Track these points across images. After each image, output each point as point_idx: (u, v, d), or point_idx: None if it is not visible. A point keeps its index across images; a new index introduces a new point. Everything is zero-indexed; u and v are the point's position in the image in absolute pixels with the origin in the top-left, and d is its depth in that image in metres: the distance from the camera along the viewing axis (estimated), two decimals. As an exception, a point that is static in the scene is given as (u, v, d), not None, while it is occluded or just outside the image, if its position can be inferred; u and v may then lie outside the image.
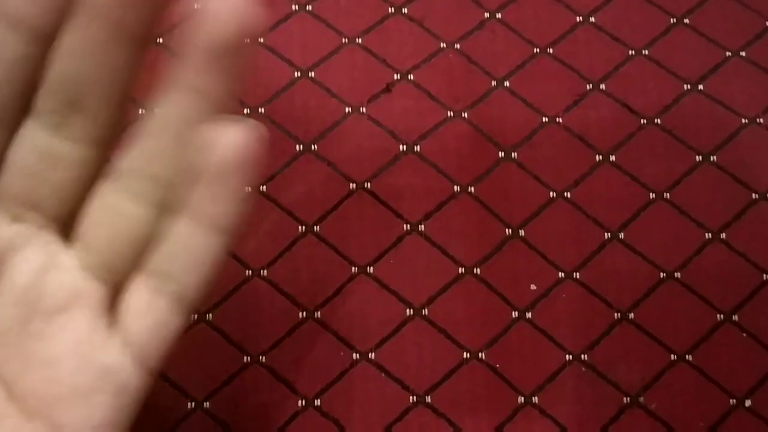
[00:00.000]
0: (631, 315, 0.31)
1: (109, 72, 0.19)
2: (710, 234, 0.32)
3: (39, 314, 0.19)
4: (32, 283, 0.19)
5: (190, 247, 0.19)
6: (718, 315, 0.31)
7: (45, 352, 0.19)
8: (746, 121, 0.33)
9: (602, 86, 0.34)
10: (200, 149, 0.19)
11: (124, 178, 0.20)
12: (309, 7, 0.34)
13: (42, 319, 0.19)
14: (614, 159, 0.33)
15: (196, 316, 0.30)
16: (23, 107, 0.19)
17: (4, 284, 0.19)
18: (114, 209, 0.20)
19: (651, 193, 0.32)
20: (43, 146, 0.19)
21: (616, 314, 0.31)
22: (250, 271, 0.31)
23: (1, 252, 0.19)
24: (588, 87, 0.34)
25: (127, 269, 0.20)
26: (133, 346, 0.20)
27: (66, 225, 0.20)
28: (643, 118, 0.33)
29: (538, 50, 0.34)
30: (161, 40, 0.33)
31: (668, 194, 0.32)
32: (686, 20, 0.35)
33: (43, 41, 0.18)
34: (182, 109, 0.19)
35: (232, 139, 0.19)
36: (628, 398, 0.30)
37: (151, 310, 0.20)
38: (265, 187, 0.32)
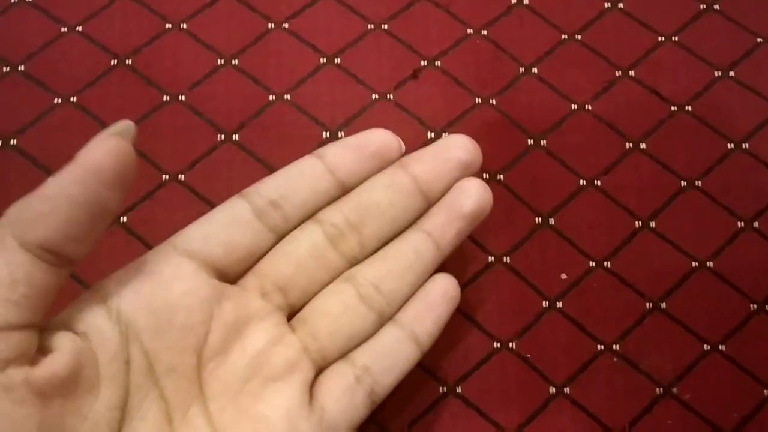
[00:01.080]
0: (663, 304, 0.30)
1: (391, 206, 0.25)
2: (743, 222, 0.31)
3: (260, 378, 0.23)
4: (262, 350, 0.23)
5: (393, 352, 0.24)
6: (751, 305, 0.30)
7: (260, 411, 0.23)
8: (779, 107, 0.33)
9: (632, 73, 0.33)
10: (426, 283, 0.25)
11: (358, 284, 0.25)
12: (334, -8, 0.34)
13: (262, 383, 0.23)
14: (644, 146, 0.32)
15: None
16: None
17: (240, 346, 0.23)
18: (343, 307, 0.24)
19: (682, 181, 0.32)
20: (319, 247, 0.25)
21: (647, 304, 0.30)
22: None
23: (245, 318, 0.24)
24: (617, 74, 0.33)
25: (335, 357, 0.24)
26: (326, 424, 0.23)
27: (294, 311, 0.25)
28: (674, 105, 0.33)
29: (566, 36, 0.34)
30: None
31: (700, 182, 0.32)
32: (716, 6, 0.34)
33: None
34: (420, 249, 0.25)
35: (447, 285, 0.26)
36: (661, 389, 0.30)
37: (348, 396, 0.24)
38: (291, 174, 0.31)
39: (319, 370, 0.24)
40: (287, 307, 0.25)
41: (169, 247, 0.23)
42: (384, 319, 0.25)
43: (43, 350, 0.20)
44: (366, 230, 0.25)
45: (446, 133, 0.32)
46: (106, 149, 0.20)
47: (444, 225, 0.26)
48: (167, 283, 0.22)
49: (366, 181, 0.26)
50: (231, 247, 0.24)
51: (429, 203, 0.26)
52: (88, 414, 0.20)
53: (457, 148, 0.26)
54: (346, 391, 0.24)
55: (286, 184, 0.25)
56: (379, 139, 0.26)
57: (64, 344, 0.20)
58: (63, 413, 0.20)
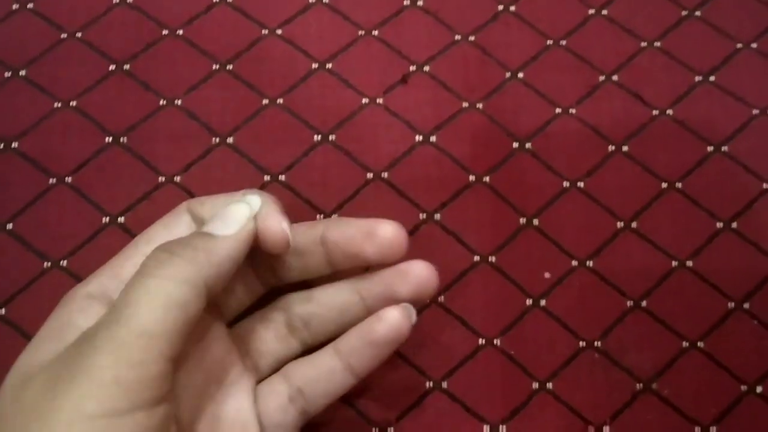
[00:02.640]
0: (644, 303, 0.31)
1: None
2: (722, 223, 0.32)
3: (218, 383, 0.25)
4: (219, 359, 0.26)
5: (328, 380, 0.26)
6: (729, 303, 0.31)
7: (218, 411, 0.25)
8: (757, 111, 0.34)
9: (615, 78, 0.34)
10: (374, 323, 0.26)
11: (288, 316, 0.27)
12: (326, 0, 0.35)
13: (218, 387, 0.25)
14: (627, 149, 0.33)
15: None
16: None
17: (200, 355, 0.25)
18: (273, 333, 0.27)
19: (663, 183, 0.33)
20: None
21: (628, 302, 0.31)
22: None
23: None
24: (601, 78, 0.34)
25: (265, 373, 0.27)
26: None
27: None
28: (655, 109, 0.34)
29: (551, 42, 0.35)
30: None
31: (680, 184, 0.33)
32: (698, 12, 0.35)
33: None
34: (344, 302, 0.27)
35: (393, 323, 0.26)
36: (641, 384, 0.30)
37: (281, 415, 0.26)
38: (284, 176, 0.32)
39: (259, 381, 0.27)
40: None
41: None
42: (306, 349, 0.28)
43: None
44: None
45: (434, 137, 0.33)
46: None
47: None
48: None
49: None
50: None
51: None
52: None
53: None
54: (279, 410, 0.26)
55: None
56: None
57: None
58: None
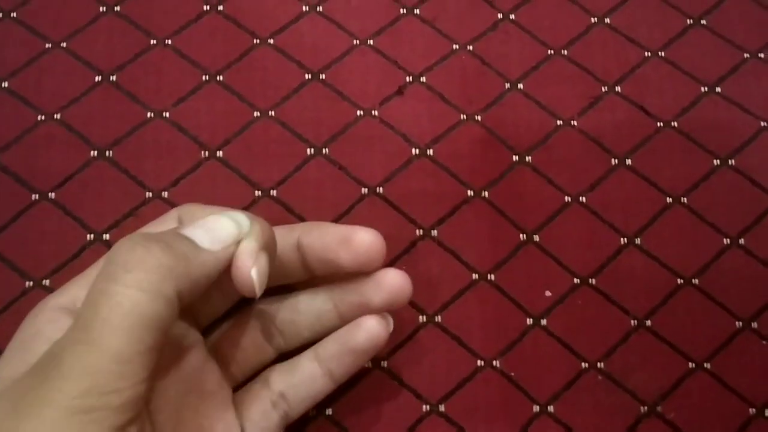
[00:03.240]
0: (648, 322, 0.30)
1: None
2: (729, 239, 0.31)
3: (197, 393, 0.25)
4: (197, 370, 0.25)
5: (308, 385, 0.26)
6: (737, 322, 0.30)
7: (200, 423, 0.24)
8: (766, 123, 0.33)
9: (618, 88, 0.33)
10: (352, 331, 0.26)
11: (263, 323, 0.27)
12: (320, 8, 0.34)
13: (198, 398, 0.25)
14: (630, 162, 0.32)
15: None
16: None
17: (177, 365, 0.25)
18: (250, 340, 0.27)
19: (668, 198, 0.32)
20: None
21: (632, 321, 0.30)
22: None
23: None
24: (603, 89, 0.33)
25: (239, 381, 0.27)
26: None
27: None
28: (660, 121, 0.33)
29: (552, 52, 0.34)
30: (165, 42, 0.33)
31: (686, 198, 0.32)
32: (703, 21, 0.34)
33: None
34: (319, 310, 0.27)
35: (371, 333, 0.26)
36: (646, 407, 0.29)
37: (264, 421, 0.26)
38: (275, 191, 0.31)
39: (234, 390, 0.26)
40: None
41: None
42: (279, 354, 0.27)
43: None
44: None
45: (431, 150, 0.32)
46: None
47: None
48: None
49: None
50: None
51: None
52: None
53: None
54: (262, 416, 0.26)
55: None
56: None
57: None
58: None
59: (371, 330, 0.26)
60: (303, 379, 0.26)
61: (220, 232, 0.23)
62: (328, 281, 0.27)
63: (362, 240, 0.25)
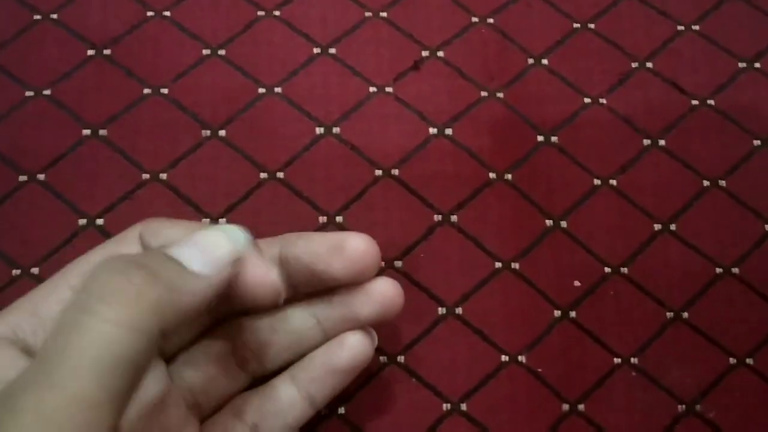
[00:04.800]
0: (685, 314, 0.28)
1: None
2: (771, 225, 0.29)
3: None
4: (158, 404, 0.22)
5: (285, 413, 0.23)
6: (781, 314, 0.28)
7: None
8: (809, 101, 0.31)
9: (649, 64, 0.31)
10: (334, 349, 0.24)
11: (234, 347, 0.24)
12: (329, -22, 0.32)
13: None
14: (664, 143, 0.30)
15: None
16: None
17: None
18: (215, 366, 0.24)
19: (705, 181, 0.30)
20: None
21: (668, 313, 0.28)
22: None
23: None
24: (633, 65, 0.31)
25: (208, 411, 0.24)
26: None
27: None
28: (695, 99, 0.31)
29: (578, 25, 0.32)
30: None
31: (723, 182, 0.30)
32: (740, -8, 0.32)
33: None
34: (302, 334, 0.24)
35: (356, 350, 0.24)
36: (683, 406, 0.27)
37: None
38: (282, 173, 0.29)
39: (201, 421, 0.24)
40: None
41: None
42: (255, 380, 0.25)
43: None
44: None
45: (449, 129, 0.30)
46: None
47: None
48: None
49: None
50: None
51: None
52: None
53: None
54: None
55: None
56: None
57: None
58: None
59: (355, 347, 0.23)
60: (280, 407, 0.23)
61: (213, 251, 0.20)
62: (309, 295, 0.24)
63: (356, 247, 0.22)
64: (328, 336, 0.24)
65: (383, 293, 0.23)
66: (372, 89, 0.30)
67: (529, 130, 0.30)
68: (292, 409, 0.23)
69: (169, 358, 0.24)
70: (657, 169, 0.30)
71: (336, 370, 0.23)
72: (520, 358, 0.28)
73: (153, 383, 0.22)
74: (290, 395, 0.23)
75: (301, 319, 0.24)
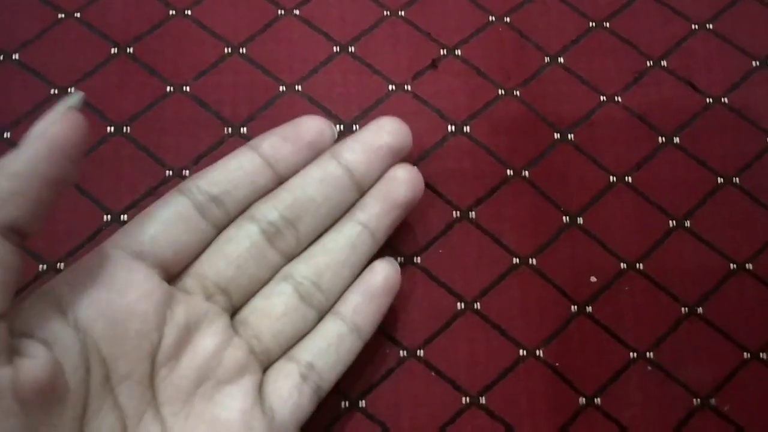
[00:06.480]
0: (700, 309, 0.29)
1: (326, 200, 0.25)
2: (784, 222, 0.30)
3: (212, 381, 0.23)
4: (214, 354, 0.23)
5: (337, 348, 0.24)
6: (794, 310, 0.29)
7: (214, 414, 0.23)
8: (823, 99, 0.31)
9: (664, 63, 0.31)
10: (364, 273, 0.26)
11: (297, 283, 0.25)
12: (348, -23, 0.32)
13: (214, 386, 0.23)
14: (678, 141, 0.30)
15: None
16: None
17: (192, 350, 0.23)
18: (284, 307, 0.24)
19: (719, 178, 0.30)
20: (258, 247, 0.24)
21: (683, 309, 0.29)
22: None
23: (195, 322, 0.23)
24: (648, 63, 0.31)
25: (278, 356, 0.25)
26: (277, 424, 0.23)
27: (235, 311, 0.25)
28: (709, 97, 0.31)
29: (594, 24, 0.32)
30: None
31: (737, 179, 0.30)
32: (754, -8, 0.32)
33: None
34: (356, 242, 0.25)
35: (387, 272, 0.25)
36: (698, 400, 0.28)
37: (295, 396, 0.24)
38: (303, 170, 0.29)
39: (265, 370, 0.25)
40: (230, 308, 0.25)
41: (117, 250, 0.23)
42: (323, 314, 0.25)
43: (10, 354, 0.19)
44: (302, 226, 0.25)
45: (467, 127, 0.30)
46: (70, 123, 0.19)
47: (380, 216, 0.26)
48: (122, 289, 0.22)
49: (299, 172, 0.26)
50: (179, 246, 0.24)
51: (362, 192, 0.26)
52: (57, 424, 0.20)
53: (386, 133, 0.26)
54: (293, 391, 0.24)
55: (226, 178, 0.25)
56: (315, 128, 0.26)
57: (38, 352, 0.19)
58: (38, 424, 0.19)
59: (386, 269, 0.25)
60: (331, 342, 0.25)
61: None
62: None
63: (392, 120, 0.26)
64: (376, 239, 0.26)
65: (407, 176, 0.26)
66: (391, 87, 0.31)
67: (545, 127, 0.30)
68: (342, 342, 0.25)
69: (234, 311, 0.25)
70: (672, 167, 0.30)
71: (373, 294, 0.25)
72: (537, 352, 0.28)
73: (210, 337, 0.23)
74: (339, 330, 0.25)
75: (348, 230, 0.25)
